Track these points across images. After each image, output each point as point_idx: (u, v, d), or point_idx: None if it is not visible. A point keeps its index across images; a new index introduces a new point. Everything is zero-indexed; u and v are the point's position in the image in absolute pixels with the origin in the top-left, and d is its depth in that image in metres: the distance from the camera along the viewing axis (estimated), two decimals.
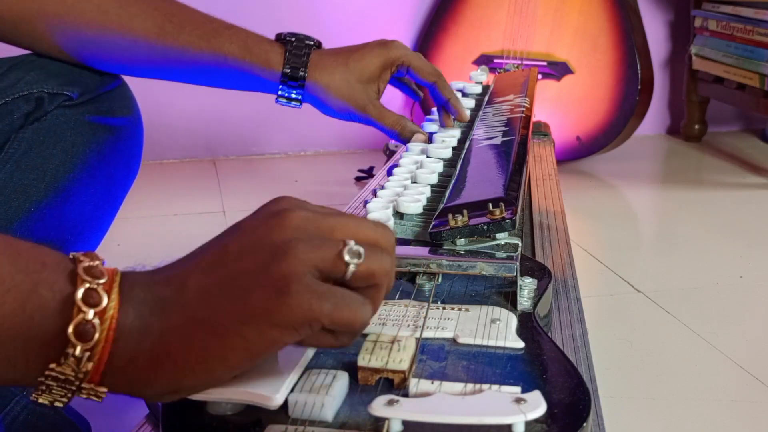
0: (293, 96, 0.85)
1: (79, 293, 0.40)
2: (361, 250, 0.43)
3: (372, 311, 0.44)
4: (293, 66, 0.83)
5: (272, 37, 0.86)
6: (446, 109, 0.92)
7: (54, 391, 0.41)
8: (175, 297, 0.42)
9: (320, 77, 0.84)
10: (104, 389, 0.41)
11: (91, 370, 0.40)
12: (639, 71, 1.79)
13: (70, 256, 0.43)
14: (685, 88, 2.07)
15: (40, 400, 0.41)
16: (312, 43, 0.85)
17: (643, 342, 1.06)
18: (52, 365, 0.40)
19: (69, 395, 0.41)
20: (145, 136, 0.86)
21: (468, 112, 0.94)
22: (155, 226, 1.52)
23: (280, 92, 0.84)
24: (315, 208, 0.46)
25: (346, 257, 0.43)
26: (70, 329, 0.40)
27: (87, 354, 0.40)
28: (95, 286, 0.41)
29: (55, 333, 0.40)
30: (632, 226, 1.63)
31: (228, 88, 0.86)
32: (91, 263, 0.42)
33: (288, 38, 0.85)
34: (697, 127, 2.10)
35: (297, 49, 0.84)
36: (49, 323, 0.40)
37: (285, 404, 0.44)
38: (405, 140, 0.89)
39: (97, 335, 0.40)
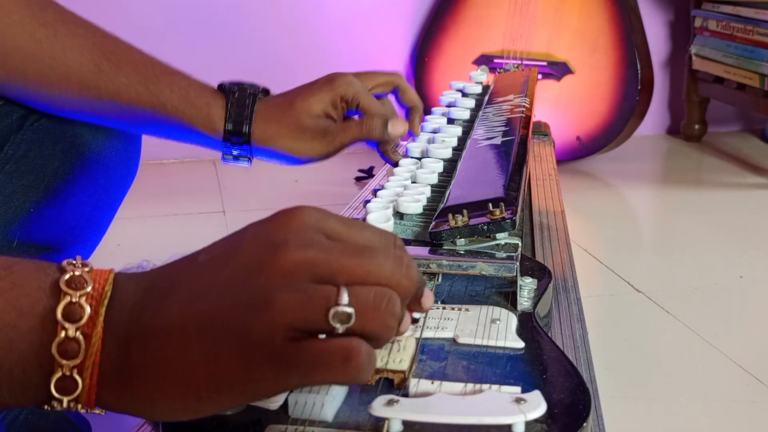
0: (240, 154, 0.77)
1: (54, 348, 0.38)
2: (351, 311, 0.37)
3: (366, 360, 0.38)
4: (236, 121, 0.75)
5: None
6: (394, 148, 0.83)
7: (54, 410, 0.41)
8: (158, 334, 0.39)
9: (267, 129, 0.76)
10: (100, 410, 0.41)
11: (81, 408, 0.40)
12: (639, 71, 1.79)
13: (54, 277, 0.40)
14: (685, 88, 2.07)
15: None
16: (257, 92, 0.77)
17: (643, 342, 1.06)
18: (45, 406, 0.40)
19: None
20: (145, 136, 0.86)
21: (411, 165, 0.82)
22: (155, 226, 1.52)
23: (224, 151, 0.77)
24: (328, 237, 0.40)
25: (332, 321, 0.37)
26: (52, 386, 0.39)
27: (72, 403, 0.39)
28: (73, 334, 0.38)
29: (38, 385, 0.39)
30: (632, 226, 1.63)
31: (169, 138, 0.79)
32: (72, 298, 0.39)
33: (231, 89, 0.76)
34: (697, 127, 2.10)
35: (240, 101, 0.75)
36: (31, 377, 0.39)
37: (285, 404, 0.44)
38: (383, 138, 0.79)
39: (79, 388, 0.39)
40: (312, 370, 0.37)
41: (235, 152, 0.77)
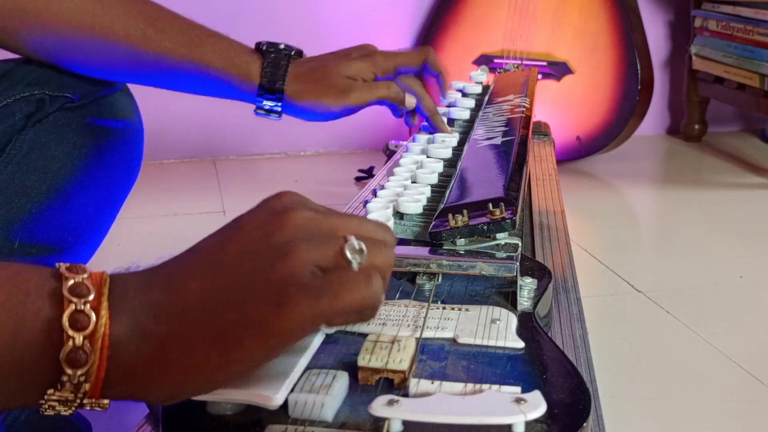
0: (272, 108, 0.84)
1: (65, 319, 0.39)
2: (363, 246, 0.43)
3: (380, 285, 0.43)
4: (271, 78, 0.82)
5: (264, 35, 0.86)
6: (428, 123, 0.93)
7: (57, 408, 0.40)
8: (173, 301, 0.41)
9: (297, 85, 0.83)
10: (107, 401, 0.41)
11: (89, 389, 0.40)
12: (639, 71, 1.79)
13: (56, 266, 0.41)
14: (685, 88, 2.07)
15: (46, 413, 0.41)
16: (291, 53, 0.84)
17: (643, 342, 1.06)
18: (50, 391, 0.40)
19: (73, 408, 0.41)
20: (146, 136, 0.86)
21: (449, 129, 0.93)
22: (155, 226, 1.52)
23: (258, 104, 0.83)
24: (316, 207, 0.45)
25: (348, 254, 0.42)
26: (62, 357, 0.39)
27: (82, 378, 0.39)
28: (82, 307, 0.39)
29: (47, 362, 0.39)
30: (632, 226, 1.63)
31: (206, 95, 0.85)
32: (76, 279, 0.40)
33: (267, 49, 0.83)
34: (697, 127, 2.10)
35: (275, 60, 0.83)
36: (40, 354, 0.39)
37: (285, 404, 0.44)
38: (401, 105, 0.88)
39: (90, 358, 0.39)
40: (341, 292, 0.41)
41: (267, 105, 0.84)
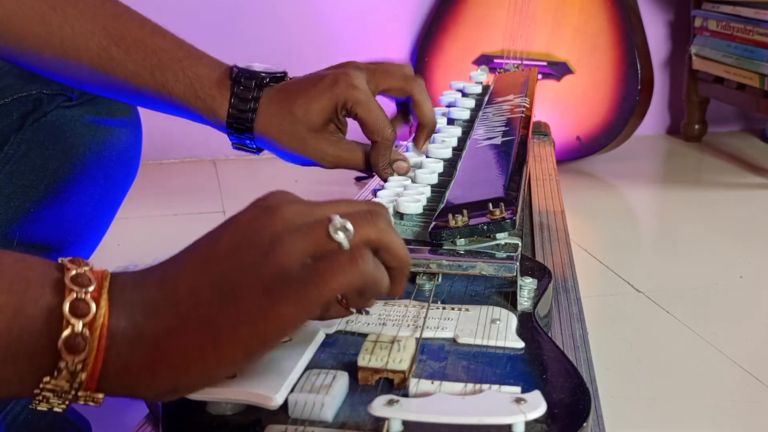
0: (248, 144, 0.76)
1: (66, 306, 0.39)
2: (347, 223, 0.43)
3: (370, 260, 0.43)
4: (238, 117, 0.74)
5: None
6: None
7: (51, 401, 0.41)
8: (168, 297, 0.41)
9: (268, 129, 0.75)
10: (101, 395, 0.41)
11: (85, 380, 0.40)
12: (639, 71, 1.79)
13: (58, 261, 0.42)
14: (685, 88, 2.07)
15: (39, 408, 0.41)
16: (265, 81, 0.75)
17: (643, 342, 1.06)
18: (46, 378, 0.40)
19: (66, 403, 0.41)
20: (145, 137, 0.86)
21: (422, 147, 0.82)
22: (155, 226, 1.52)
23: (231, 140, 0.76)
24: (307, 202, 0.46)
25: (332, 233, 0.42)
26: (60, 344, 0.39)
27: (79, 365, 0.40)
28: (83, 296, 0.40)
29: (45, 349, 0.39)
30: (632, 226, 1.63)
31: (181, 117, 0.77)
32: (78, 270, 0.41)
33: (238, 78, 0.74)
34: (697, 127, 2.10)
35: (244, 93, 0.74)
36: (38, 340, 0.39)
37: (285, 404, 0.44)
38: (384, 177, 0.77)
39: (88, 346, 0.39)
40: (326, 280, 0.41)
41: (244, 142, 0.76)
